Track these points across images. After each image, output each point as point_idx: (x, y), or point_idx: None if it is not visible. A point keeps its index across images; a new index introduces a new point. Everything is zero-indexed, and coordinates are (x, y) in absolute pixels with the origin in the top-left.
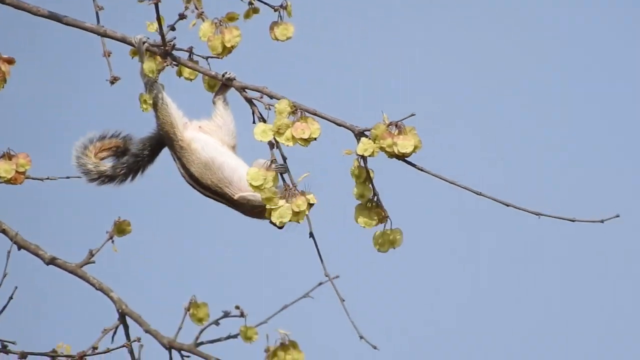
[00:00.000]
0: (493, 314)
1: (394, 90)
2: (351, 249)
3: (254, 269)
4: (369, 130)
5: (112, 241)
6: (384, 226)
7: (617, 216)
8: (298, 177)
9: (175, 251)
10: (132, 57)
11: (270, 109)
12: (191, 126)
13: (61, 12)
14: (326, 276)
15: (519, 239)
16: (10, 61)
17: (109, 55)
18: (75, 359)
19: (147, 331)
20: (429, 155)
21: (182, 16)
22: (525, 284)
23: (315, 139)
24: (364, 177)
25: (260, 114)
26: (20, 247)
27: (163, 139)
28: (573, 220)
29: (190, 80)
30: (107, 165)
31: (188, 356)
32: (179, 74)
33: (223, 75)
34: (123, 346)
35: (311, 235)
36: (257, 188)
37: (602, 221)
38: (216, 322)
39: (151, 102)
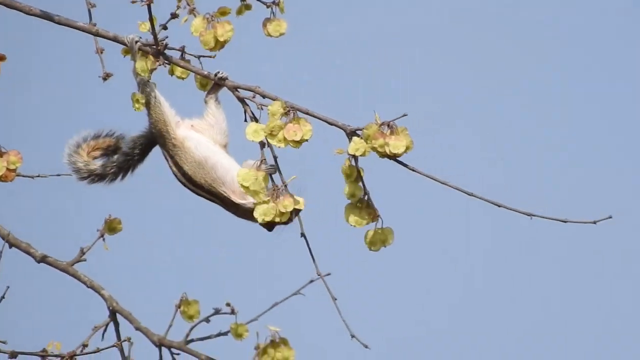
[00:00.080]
0: (484, 313)
1: (394, 90)
2: (343, 248)
3: (246, 268)
4: (360, 130)
5: (103, 239)
6: (375, 225)
7: (610, 217)
8: (289, 177)
9: (166, 249)
10: (125, 56)
11: (262, 108)
12: (183, 125)
13: (53, 10)
14: (318, 275)
15: (511, 239)
16: (1, 58)
17: (101, 52)
18: (65, 359)
19: (137, 328)
20: (428, 155)
21: (174, 15)
22: (517, 284)
23: (306, 140)
24: (355, 176)
25: (253, 114)
26: (11, 245)
27: (155, 138)
28: (565, 221)
29: (182, 79)
30: (97, 164)
31: (178, 353)
32: (171, 72)
33: (215, 75)
34: (113, 346)
35: (303, 235)
36: (247, 189)
37: (594, 222)
38: (207, 320)
39: (144, 101)
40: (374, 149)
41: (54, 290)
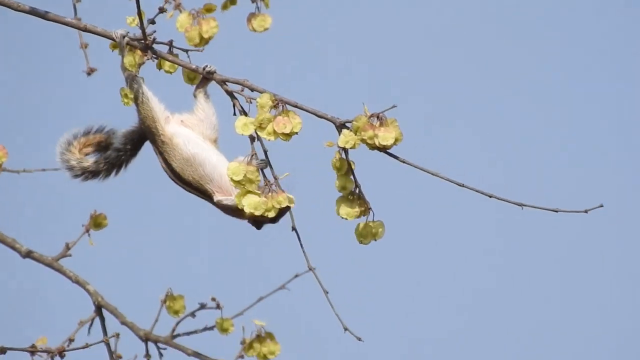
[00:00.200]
0: (475, 304)
1: (394, 90)
2: (334, 242)
3: (235, 263)
4: (350, 122)
5: (89, 234)
6: (366, 218)
7: (601, 206)
8: (279, 170)
9: (152, 244)
10: (112, 50)
11: (251, 102)
12: (173, 120)
13: (38, 5)
14: (309, 268)
15: (503, 231)
16: None
17: (85, 47)
18: (55, 354)
19: (123, 323)
20: (428, 155)
21: (162, 10)
22: (509, 275)
23: (296, 133)
24: (345, 169)
25: (242, 107)
26: None
27: (145, 133)
28: (556, 211)
29: (170, 73)
30: (89, 160)
31: (164, 348)
32: (159, 67)
33: (204, 69)
34: (101, 342)
35: (294, 229)
36: (238, 183)
37: (586, 211)
38: (192, 314)
39: (132, 96)
40: (363, 141)
41: (39, 286)
